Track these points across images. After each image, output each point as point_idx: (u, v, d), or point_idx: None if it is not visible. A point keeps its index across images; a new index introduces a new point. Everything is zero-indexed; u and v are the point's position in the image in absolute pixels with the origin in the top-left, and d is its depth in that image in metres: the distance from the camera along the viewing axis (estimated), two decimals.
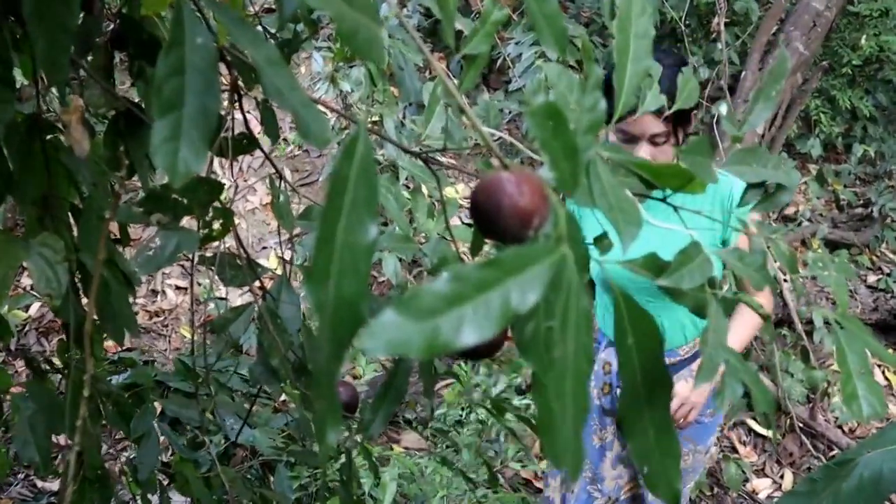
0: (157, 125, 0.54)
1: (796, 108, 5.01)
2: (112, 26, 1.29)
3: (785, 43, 4.99)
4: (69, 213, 1.35)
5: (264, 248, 4.51)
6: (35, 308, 4.26)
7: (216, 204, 0.89)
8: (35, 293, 4.33)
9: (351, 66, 3.73)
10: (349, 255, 0.44)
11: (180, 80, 0.57)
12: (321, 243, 0.45)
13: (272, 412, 2.07)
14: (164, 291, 4.31)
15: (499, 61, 4.45)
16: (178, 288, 4.34)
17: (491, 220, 0.53)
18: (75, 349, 1.25)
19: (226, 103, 1.12)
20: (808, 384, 3.71)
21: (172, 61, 0.56)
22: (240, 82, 1.01)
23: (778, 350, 3.61)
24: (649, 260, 0.63)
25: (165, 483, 1.87)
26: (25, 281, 4.49)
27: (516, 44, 4.29)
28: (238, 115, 1.10)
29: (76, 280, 1.24)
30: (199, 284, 4.25)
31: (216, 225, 0.90)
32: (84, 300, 1.30)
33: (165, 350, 3.98)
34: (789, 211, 5.09)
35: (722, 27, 4.04)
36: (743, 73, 4.97)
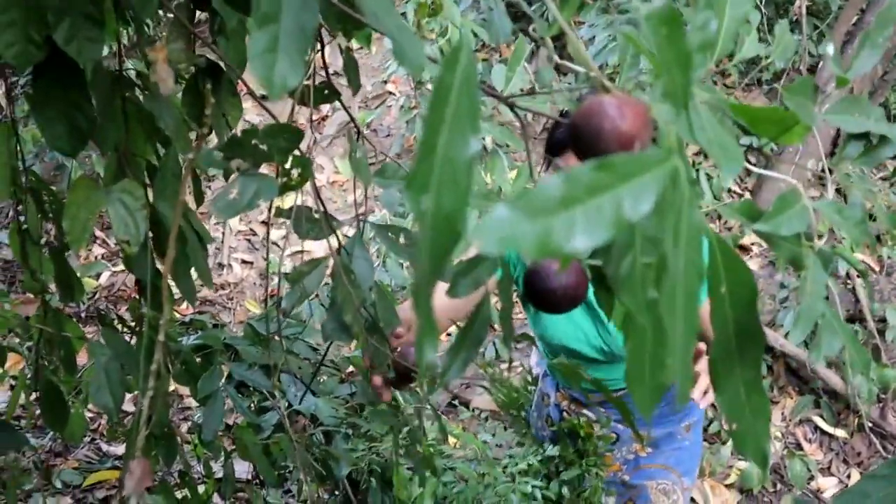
0: (255, 36, 0.54)
1: (876, 100, 4.86)
2: None
3: (865, 35, 4.86)
4: (145, 172, 1.37)
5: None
6: (105, 277, 4.36)
7: (295, 152, 0.89)
8: (106, 262, 4.44)
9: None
10: (450, 167, 0.43)
11: None
12: (423, 153, 0.44)
13: (338, 382, 2.08)
14: (230, 265, 4.38)
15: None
16: (243, 262, 4.40)
17: (591, 144, 0.53)
18: (148, 307, 1.27)
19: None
20: (879, 383, 3.60)
21: None
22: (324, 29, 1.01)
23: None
24: None
25: (229, 449, 1.89)
26: (98, 250, 4.60)
27: (590, 26, 4.24)
28: (321, 65, 1.11)
29: (150, 236, 1.25)
30: (265, 259, 4.30)
31: (294, 174, 0.90)
32: (158, 262, 1.32)
33: (230, 323, 4.04)
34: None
35: (803, 15, 3.92)
36: (821, 63, 4.84)
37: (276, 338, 1.82)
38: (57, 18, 0.90)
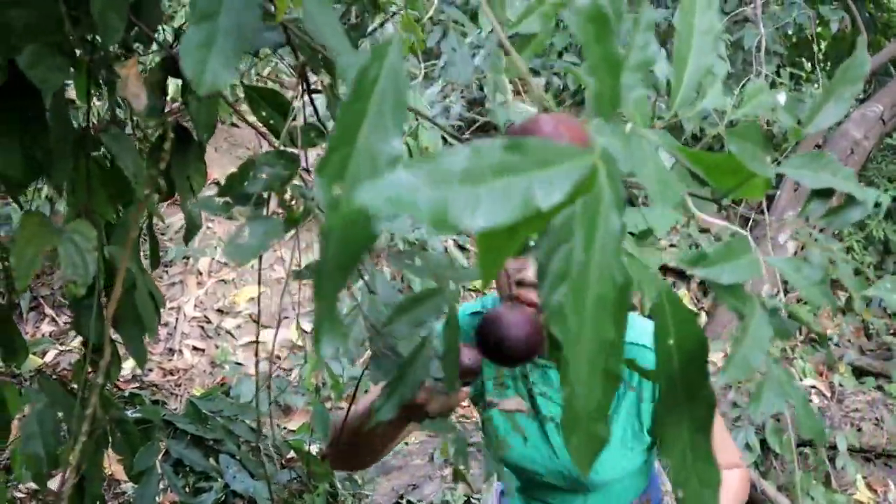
0: (190, 31, 0.53)
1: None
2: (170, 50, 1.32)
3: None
4: (104, 231, 1.36)
5: (286, 318, 4.50)
6: (51, 355, 4.25)
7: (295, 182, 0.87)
8: (53, 339, 4.34)
9: None
10: (368, 161, 0.41)
11: None
12: (338, 141, 0.42)
13: (279, 468, 2.02)
14: (181, 350, 4.30)
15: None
16: (195, 349, 4.32)
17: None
18: (91, 368, 1.23)
19: (292, 93, 1.13)
20: None
21: None
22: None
23: (799, 469, 3.49)
24: None
25: None
26: (46, 328, 4.50)
27: None
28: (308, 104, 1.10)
29: (100, 295, 1.23)
30: (217, 347, 4.24)
31: (296, 207, 0.88)
32: (107, 321, 1.29)
33: (175, 409, 3.94)
34: None
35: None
36: (777, 193, 4.98)
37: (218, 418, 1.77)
38: (22, 41, 0.89)
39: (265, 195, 0.86)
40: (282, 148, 0.94)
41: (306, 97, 1.07)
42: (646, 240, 0.69)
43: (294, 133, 0.95)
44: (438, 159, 0.36)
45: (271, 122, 1.18)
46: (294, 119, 0.98)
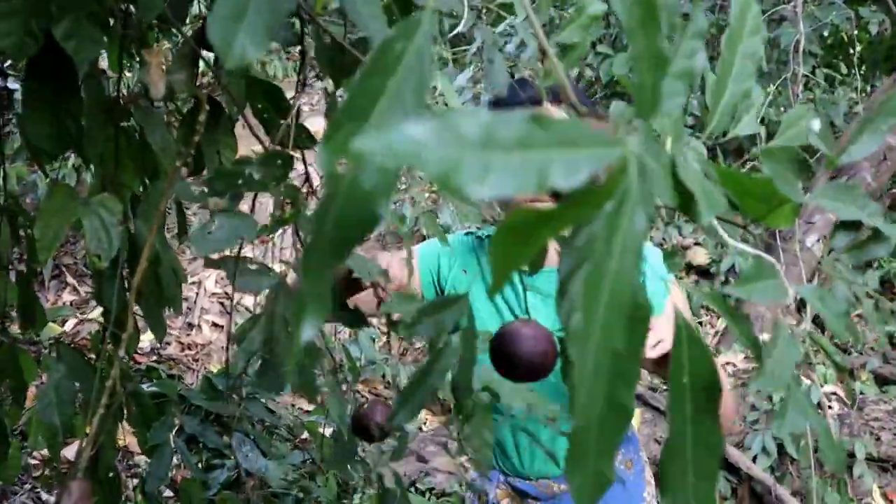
0: (220, 1, 0.51)
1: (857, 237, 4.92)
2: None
3: (853, 172, 4.95)
4: (129, 203, 1.35)
5: None
6: (71, 324, 4.28)
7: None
8: (74, 308, 4.36)
9: None
10: (380, 145, 0.35)
11: None
12: (349, 113, 0.39)
13: (291, 448, 2.01)
14: (199, 326, 4.31)
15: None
16: (214, 325, 4.33)
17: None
18: (110, 335, 1.22)
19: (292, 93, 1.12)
20: None
21: None
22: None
23: (816, 476, 3.46)
24: None
25: (171, 498, 1.81)
26: (67, 297, 4.53)
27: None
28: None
29: (123, 265, 1.22)
30: (236, 324, 4.24)
31: (288, 208, 0.87)
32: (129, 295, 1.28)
33: (192, 384, 3.95)
34: (840, 340, 4.95)
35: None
36: (807, 195, 4.91)
37: (234, 395, 1.77)
38: (59, 13, 0.88)
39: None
40: (277, 148, 0.93)
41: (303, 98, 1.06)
42: (674, 258, 0.67)
43: (287, 132, 0.94)
44: (453, 118, 0.33)
45: (265, 115, 1.17)
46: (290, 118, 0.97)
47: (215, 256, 1.00)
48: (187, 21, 1.34)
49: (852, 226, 0.72)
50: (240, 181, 0.85)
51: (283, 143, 1.00)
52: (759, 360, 0.61)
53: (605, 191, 0.39)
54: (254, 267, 1.01)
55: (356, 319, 1.02)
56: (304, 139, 1.02)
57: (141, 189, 1.35)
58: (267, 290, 0.99)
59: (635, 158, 0.39)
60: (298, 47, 1.15)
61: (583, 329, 0.40)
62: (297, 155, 1.01)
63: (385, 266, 1.00)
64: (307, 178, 0.99)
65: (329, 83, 1.04)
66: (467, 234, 1.78)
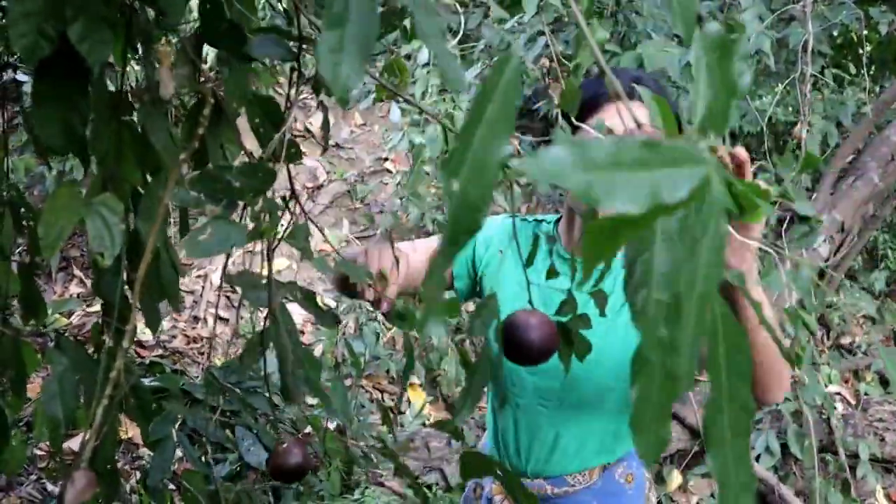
0: (325, 35, 0.60)
1: (863, 238, 4.91)
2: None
3: (860, 172, 4.93)
4: (129, 198, 1.35)
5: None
6: (76, 317, 4.30)
7: (271, 196, 0.88)
8: (81, 300, 4.37)
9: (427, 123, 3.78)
10: (479, 163, 0.48)
11: (346, 1, 0.63)
12: (462, 141, 0.49)
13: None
14: (205, 319, 4.33)
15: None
16: (220, 318, 4.35)
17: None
18: (112, 329, 1.23)
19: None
20: None
21: None
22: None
23: (819, 476, 3.45)
24: None
25: (174, 491, 1.82)
26: (74, 289, 4.55)
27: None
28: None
29: (124, 260, 1.22)
30: (242, 318, 4.26)
31: (265, 219, 0.89)
32: (128, 291, 1.28)
33: (197, 377, 3.97)
34: (845, 341, 4.95)
35: (804, 145, 3.99)
36: (814, 195, 4.91)
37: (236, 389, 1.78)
38: (73, 15, 0.90)
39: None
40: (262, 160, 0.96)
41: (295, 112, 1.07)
42: None
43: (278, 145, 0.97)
44: (587, 146, 0.43)
45: (261, 130, 1.18)
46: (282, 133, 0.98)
47: (233, 272, 1.04)
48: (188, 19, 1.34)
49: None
50: (218, 186, 0.87)
51: (275, 154, 1.01)
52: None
53: (688, 202, 0.47)
54: (264, 280, 1.03)
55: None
56: (293, 154, 1.04)
57: (142, 182, 1.36)
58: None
59: (716, 173, 0.47)
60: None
61: (672, 312, 0.50)
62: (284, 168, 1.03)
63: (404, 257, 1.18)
64: (293, 193, 1.02)
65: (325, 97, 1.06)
66: (511, 216, 1.79)
